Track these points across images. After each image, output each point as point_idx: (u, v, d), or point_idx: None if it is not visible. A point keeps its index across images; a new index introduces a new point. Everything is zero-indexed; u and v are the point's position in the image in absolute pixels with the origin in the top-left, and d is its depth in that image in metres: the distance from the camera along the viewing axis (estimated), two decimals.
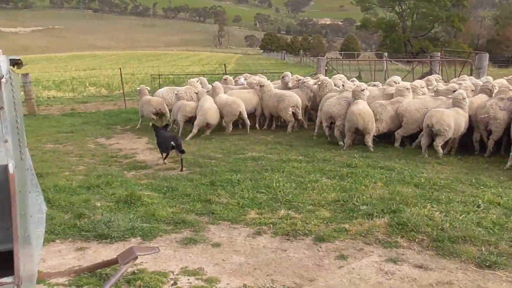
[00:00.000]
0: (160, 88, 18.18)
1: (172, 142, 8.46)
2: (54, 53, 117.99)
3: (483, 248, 4.89)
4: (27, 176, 3.29)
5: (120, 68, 18.74)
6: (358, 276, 4.49)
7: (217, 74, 27.42)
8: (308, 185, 7.14)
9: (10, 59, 2.84)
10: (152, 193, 6.94)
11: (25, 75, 16.41)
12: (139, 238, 5.43)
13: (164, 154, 8.88)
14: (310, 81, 12.86)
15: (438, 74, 18.61)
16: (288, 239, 5.36)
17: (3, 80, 2.47)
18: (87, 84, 26.51)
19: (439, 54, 24.37)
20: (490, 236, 5.14)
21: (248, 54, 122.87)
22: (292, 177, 7.57)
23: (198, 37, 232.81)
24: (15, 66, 3.11)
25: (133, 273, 4.54)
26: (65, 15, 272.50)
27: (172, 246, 5.23)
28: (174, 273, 4.60)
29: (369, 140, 9.66)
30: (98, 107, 17.66)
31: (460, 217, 5.62)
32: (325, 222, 5.77)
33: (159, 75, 21.38)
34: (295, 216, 5.96)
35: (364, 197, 6.50)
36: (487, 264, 4.60)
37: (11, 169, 2.48)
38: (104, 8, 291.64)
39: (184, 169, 8.35)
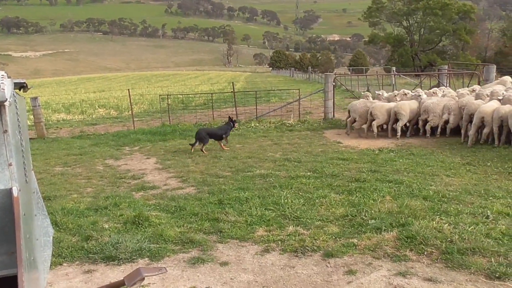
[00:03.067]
0: (168, 108, 18.35)
1: None
2: (64, 76, 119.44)
3: (492, 259, 4.85)
4: (33, 199, 3.31)
5: (128, 89, 18.84)
6: None
7: (226, 92, 27.58)
8: (317, 200, 7.13)
9: (15, 83, 2.87)
10: (160, 213, 6.94)
11: (34, 98, 16.56)
12: (146, 259, 5.42)
13: None
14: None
15: (446, 86, 18.61)
16: (297, 256, 5.34)
17: (7, 103, 2.50)
18: (97, 106, 26.65)
19: (446, 67, 24.33)
20: (500, 247, 5.10)
21: (257, 72, 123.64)
22: (301, 193, 7.56)
23: (207, 57, 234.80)
24: (21, 90, 3.15)
25: None
26: (75, 38, 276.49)
27: (180, 266, 5.23)
28: None
29: None
30: (107, 128, 17.75)
31: (469, 229, 5.58)
32: (334, 237, 5.75)
33: (167, 95, 21.47)
34: (304, 232, 5.94)
35: (373, 211, 6.47)
36: (496, 275, 4.55)
37: (15, 192, 2.50)
38: (114, 30, 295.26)
39: (194, 188, 8.37)
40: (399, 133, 12.93)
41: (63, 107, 26.62)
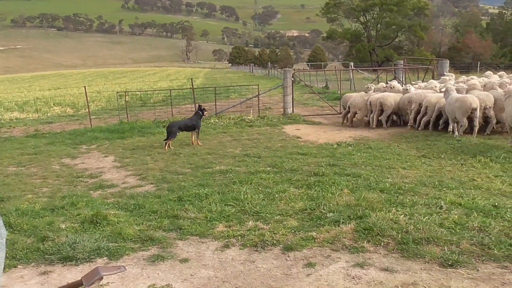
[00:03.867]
0: (126, 105, 18.11)
1: None
2: (17, 73, 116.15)
3: (445, 248, 5.01)
4: None
5: (85, 87, 18.47)
6: (325, 283, 4.52)
7: (185, 89, 27.40)
8: (276, 195, 7.17)
9: None
10: (119, 212, 6.85)
11: None
12: (105, 258, 5.35)
13: None
14: None
15: (402, 81, 19.01)
16: (257, 250, 5.37)
17: None
18: (52, 104, 26.08)
19: (402, 62, 24.83)
20: (452, 236, 5.27)
21: (217, 68, 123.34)
22: (260, 189, 7.59)
23: (166, 53, 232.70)
24: None
25: None
26: (28, 34, 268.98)
27: (139, 264, 5.18)
28: None
29: None
30: (63, 127, 17.37)
31: (424, 219, 5.73)
32: (293, 231, 5.80)
33: (125, 92, 21.20)
34: (263, 227, 5.97)
35: (331, 204, 6.56)
36: (449, 263, 4.71)
37: None
38: (69, 26, 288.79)
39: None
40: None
41: (16, 105, 25.94)
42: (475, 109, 11.34)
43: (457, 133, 11.70)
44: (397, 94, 14.15)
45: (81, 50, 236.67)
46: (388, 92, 14.58)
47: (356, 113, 14.71)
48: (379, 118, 14.06)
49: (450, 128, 12.01)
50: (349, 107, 14.89)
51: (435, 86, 14.22)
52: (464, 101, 11.35)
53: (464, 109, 11.31)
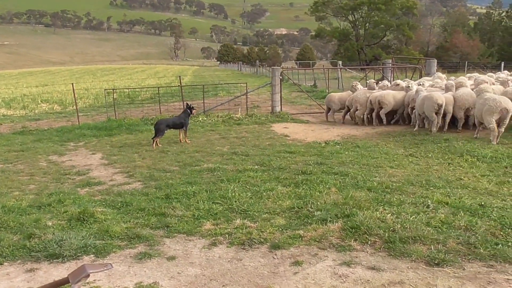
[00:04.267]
0: (114, 102, 18.02)
1: None
2: (4, 69, 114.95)
3: (432, 247, 5.04)
4: None
5: (72, 84, 18.34)
6: (312, 281, 4.54)
7: (173, 86, 27.32)
8: (264, 193, 7.18)
9: None
10: (106, 209, 6.82)
11: None
12: (92, 255, 5.32)
13: None
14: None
15: (390, 80, 19.10)
16: (244, 249, 5.37)
17: None
18: (39, 101, 25.86)
19: (390, 61, 24.95)
20: (439, 234, 5.30)
21: (205, 66, 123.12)
22: (248, 187, 7.59)
23: (154, 50, 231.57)
24: None
25: None
26: (16, 31, 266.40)
27: (126, 261, 5.16)
28: None
29: None
30: (50, 124, 17.24)
31: (411, 218, 5.76)
32: (280, 229, 5.81)
33: (113, 89, 21.09)
34: (251, 225, 5.97)
35: (319, 203, 6.58)
36: (436, 262, 4.74)
37: None
38: (57, 23, 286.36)
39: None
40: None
41: (3, 102, 25.75)
42: (441, 106, 11.95)
43: (434, 129, 12.17)
44: (399, 92, 14.22)
45: (69, 47, 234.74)
46: (392, 89, 14.70)
47: (357, 109, 14.70)
48: (379, 113, 14.24)
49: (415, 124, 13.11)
50: (331, 106, 15.14)
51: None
52: (430, 99, 12.07)
53: (430, 106, 12.02)
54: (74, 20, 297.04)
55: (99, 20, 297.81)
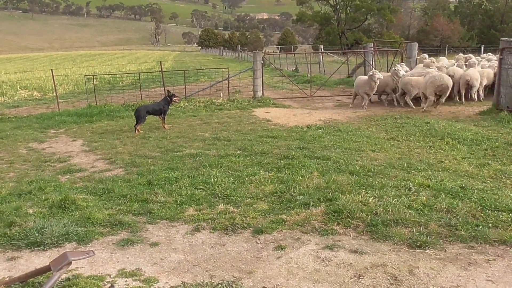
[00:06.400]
0: (94, 88, 17.82)
1: None
2: None
3: (414, 229, 5.10)
4: None
5: (52, 70, 18.05)
6: (296, 265, 4.55)
7: (154, 72, 27.08)
8: (246, 178, 7.17)
9: None
10: (88, 196, 6.76)
11: None
12: (74, 243, 5.28)
13: None
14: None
15: (372, 64, 19.13)
16: (227, 234, 5.37)
17: None
18: (18, 88, 25.46)
19: (372, 45, 24.97)
20: (421, 217, 5.36)
21: (186, 51, 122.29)
22: (230, 172, 7.58)
23: (134, 36, 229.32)
24: None
25: (68, 279, 4.41)
26: None
27: (108, 248, 5.13)
28: (111, 276, 4.51)
29: None
30: (30, 111, 17.00)
31: (393, 201, 5.81)
32: (263, 214, 5.82)
33: (93, 75, 20.85)
34: (234, 210, 5.98)
35: (301, 187, 6.59)
36: (417, 244, 4.80)
37: None
38: (35, 8, 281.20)
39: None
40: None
41: None
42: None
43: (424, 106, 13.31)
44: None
45: (47, 33, 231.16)
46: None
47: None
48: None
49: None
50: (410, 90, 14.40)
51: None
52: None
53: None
54: (52, 5, 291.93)
55: (77, 5, 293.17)
